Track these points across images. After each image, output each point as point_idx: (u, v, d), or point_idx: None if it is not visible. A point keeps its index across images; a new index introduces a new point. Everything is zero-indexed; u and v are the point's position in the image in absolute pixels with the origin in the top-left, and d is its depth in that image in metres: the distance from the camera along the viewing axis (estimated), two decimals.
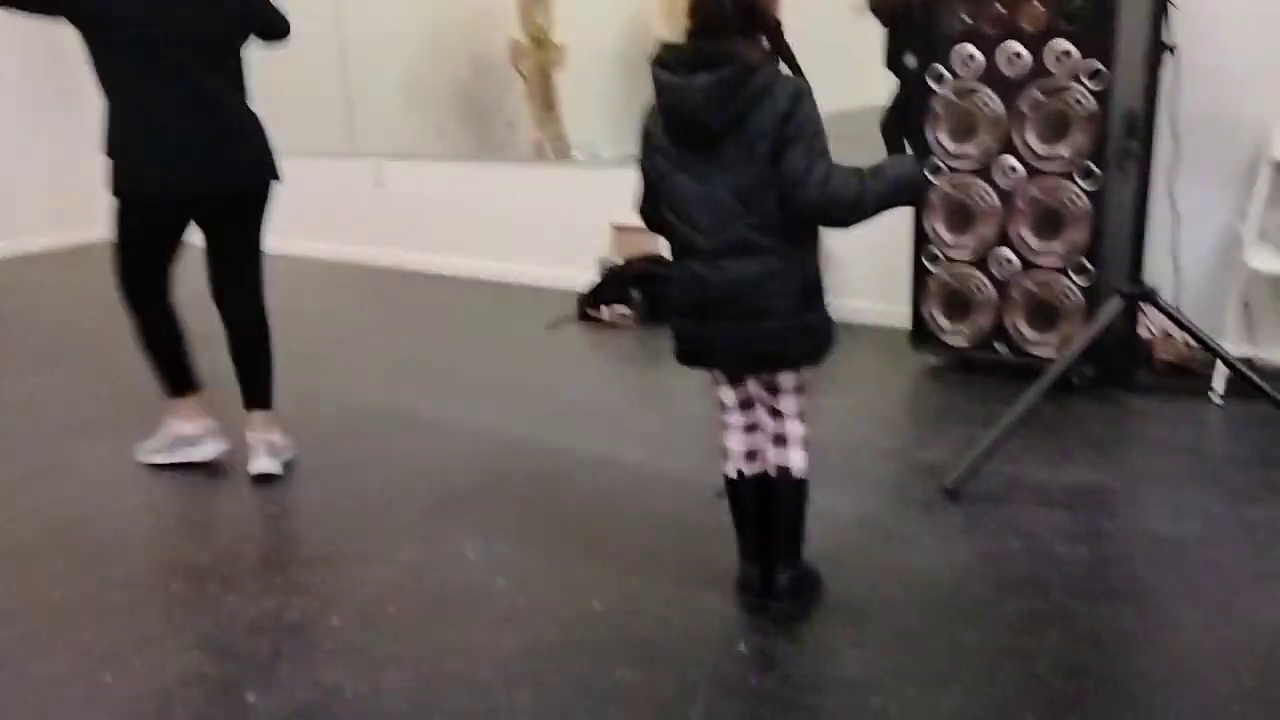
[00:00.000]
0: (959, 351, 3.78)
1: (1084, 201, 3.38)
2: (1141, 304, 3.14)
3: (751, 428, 2.31)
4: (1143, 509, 2.75)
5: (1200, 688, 2.01)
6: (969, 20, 3.44)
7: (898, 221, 3.75)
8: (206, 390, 3.24)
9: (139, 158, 2.91)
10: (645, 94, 2.17)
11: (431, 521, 2.85)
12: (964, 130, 3.55)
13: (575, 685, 2.10)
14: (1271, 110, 3.48)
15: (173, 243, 3.06)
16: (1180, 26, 2.99)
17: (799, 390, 2.25)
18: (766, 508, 2.32)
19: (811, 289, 2.18)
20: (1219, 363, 3.32)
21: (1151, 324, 3.64)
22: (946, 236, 3.68)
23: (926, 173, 3.52)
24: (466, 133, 6.14)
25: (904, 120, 3.86)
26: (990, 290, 3.63)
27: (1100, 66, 3.24)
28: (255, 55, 3.08)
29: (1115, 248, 3.42)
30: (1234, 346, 3.45)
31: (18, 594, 2.58)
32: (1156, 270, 3.49)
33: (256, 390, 3.22)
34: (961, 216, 3.63)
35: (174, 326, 3.14)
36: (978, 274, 3.65)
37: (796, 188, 2.03)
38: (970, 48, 3.45)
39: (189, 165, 2.91)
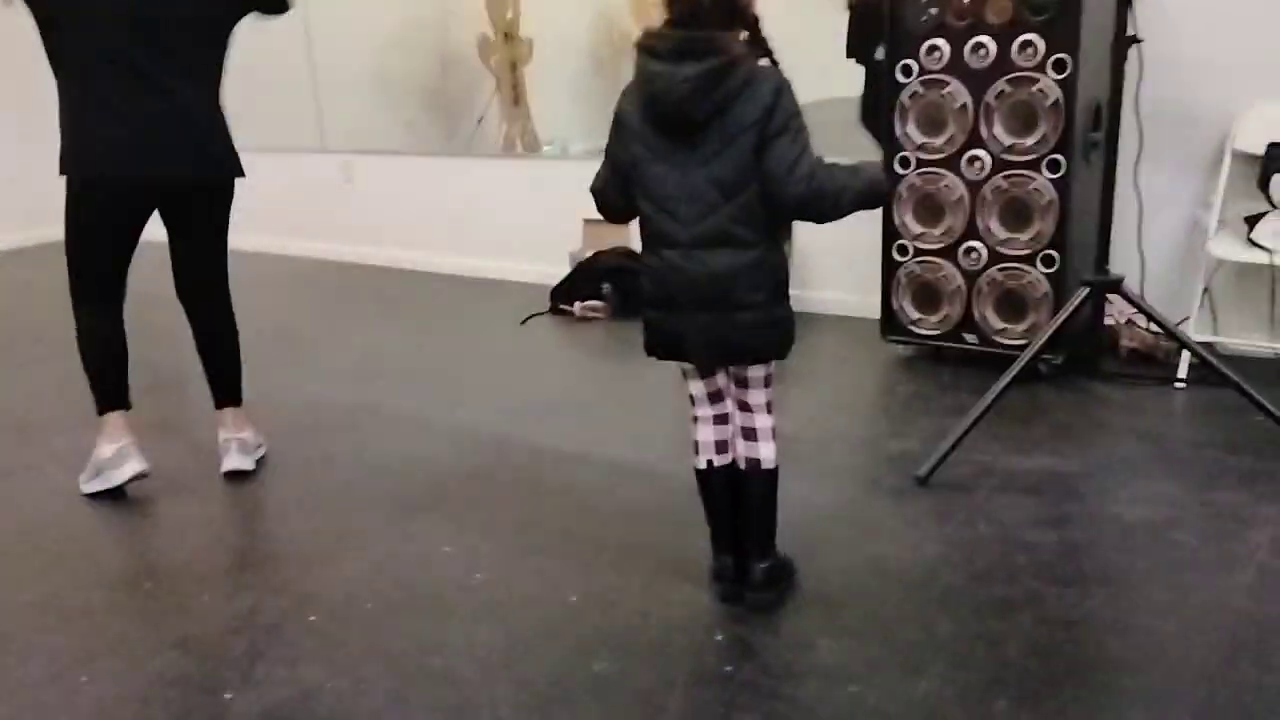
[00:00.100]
0: (929, 342, 3.82)
1: (1050, 192, 3.42)
2: (1108, 293, 3.18)
3: (721, 419, 2.32)
4: (1110, 494, 2.79)
5: (1168, 669, 2.04)
6: (936, 13, 3.47)
7: (867, 213, 3.78)
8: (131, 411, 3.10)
9: (89, 140, 2.85)
10: (614, 87, 2.18)
11: (406, 517, 2.85)
12: (932, 123, 3.58)
13: (553, 678, 2.11)
14: (1234, 101, 3.53)
15: (122, 235, 2.95)
16: (1144, 18, 3.03)
17: (768, 383, 2.27)
18: (737, 498, 2.34)
19: (781, 282, 2.20)
20: (1183, 350, 3.37)
21: (1115, 312, 3.68)
22: (915, 228, 3.71)
23: (891, 177, 3.56)
24: (436, 128, 6.12)
25: (875, 111, 3.89)
26: (959, 281, 3.67)
27: (1066, 58, 3.28)
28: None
29: (1081, 238, 3.46)
30: (1197, 333, 3.51)
31: None
32: (1122, 259, 3.53)
33: (225, 387, 3.19)
34: (930, 208, 3.66)
35: (119, 336, 3.03)
36: (947, 265, 3.68)
37: (783, 182, 2.05)
38: (937, 40, 3.48)
39: (138, 149, 2.84)
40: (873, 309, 3.94)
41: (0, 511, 3.00)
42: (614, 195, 2.24)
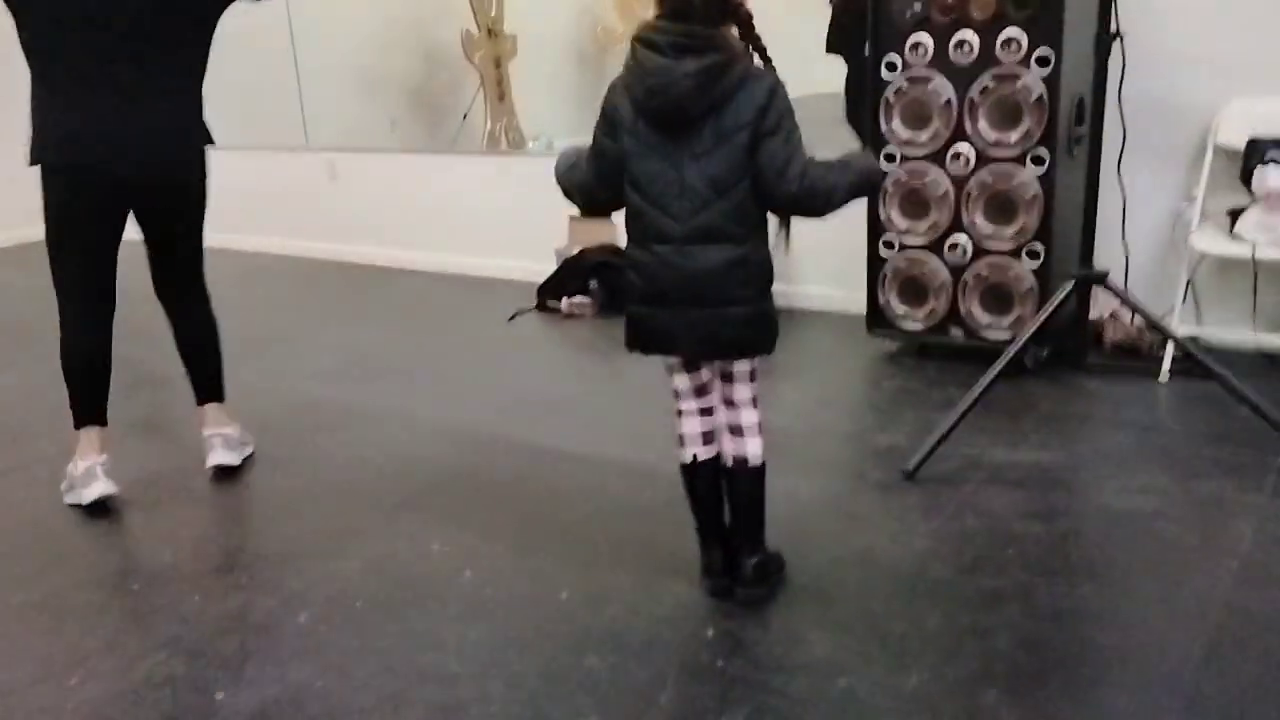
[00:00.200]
0: (915, 336, 3.83)
1: (1035, 187, 3.43)
2: (1093, 286, 3.20)
3: (707, 411, 2.33)
4: (1096, 486, 2.81)
5: (1156, 659, 2.06)
6: (920, 9, 3.48)
7: (853, 209, 3.79)
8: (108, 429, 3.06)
9: (54, 131, 2.83)
10: (599, 83, 2.18)
11: (396, 515, 2.85)
12: (916, 118, 3.59)
13: (545, 675, 2.11)
14: (1216, 96, 3.55)
15: (93, 229, 2.89)
16: (1127, 13, 3.04)
17: (753, 377, 2.28)
18: (722, 492, 2.35)
19: (769, 278, 2.21)
20: (1168, 342, 3.39)
21: (1100, 305, 3.70)
22: (901, 223, 3.72)
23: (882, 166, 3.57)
24: (420, 125, 6.11)
25: (858, 107, 3.90)
26: (945, 275, 3.68)
27: (1049, 54, 3.29)
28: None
29: (1066, 232, 3.48)
30: (1181, 326, 3.53)
31: None
32: (1106, 253, 3.55)
33: (206, 384, 3.19)
34: (916, 203, 3.68)
35: (103, 350, 2.97)
36: (932, 259, 3.70)
37: (778, 181, 2.07)
38: (921, 36, 3.49)
39: (100, 141, 2.81)
40: (859, 304, 3.95)
41: None
42: (598, 188, 2.24)
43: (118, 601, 2.50)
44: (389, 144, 6.03)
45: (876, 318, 3.88)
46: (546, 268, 4.93)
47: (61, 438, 3.04)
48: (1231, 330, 3.66)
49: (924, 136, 3.58)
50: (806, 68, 4.34)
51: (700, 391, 2.31)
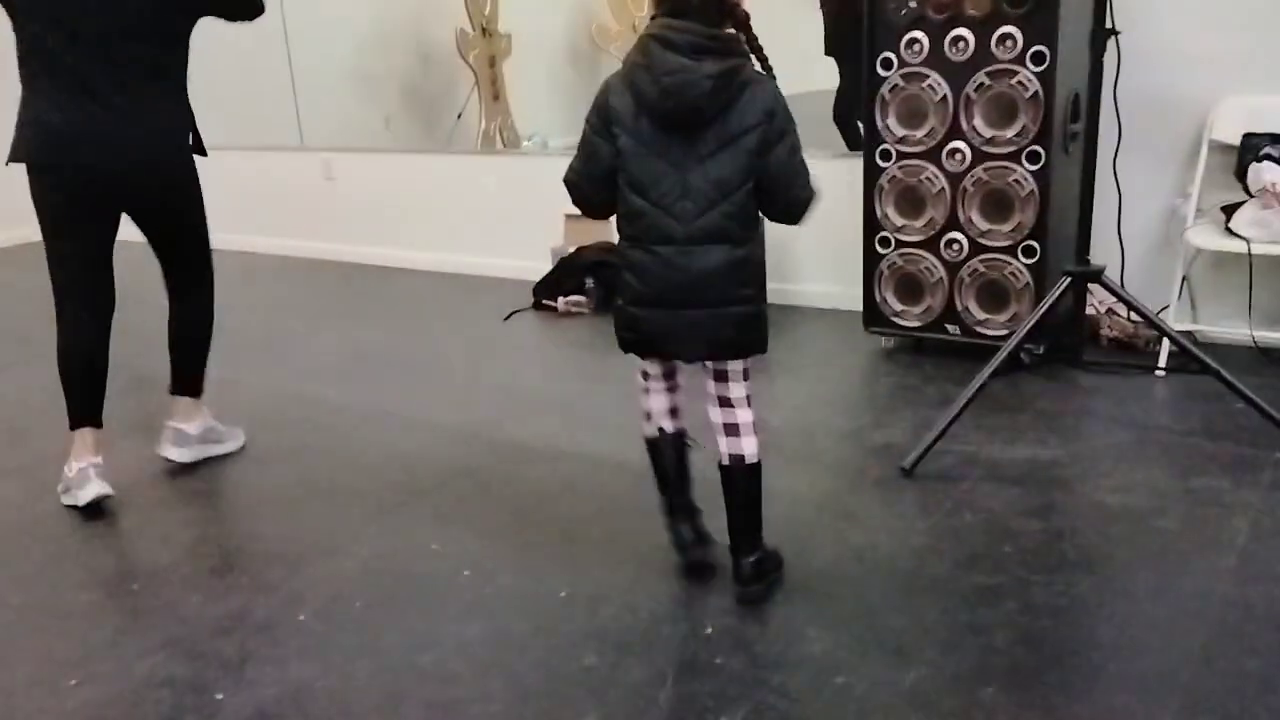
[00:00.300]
0: (911, 333, 3.84)
1: (1031, 183, 3.44)
2: (1089, 283, 3.21)
3: (673, 388, 2.39)
4: (1093, 482, 2.81)
5: (1154, 655, 2.06)
6: (915, 7, 3.48)
7: (849, 206, 3.81)
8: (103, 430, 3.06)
9: (34, 128, 2.84)
10: (594, 81, 2.17)
11: (394, 514, 2.85)
12: (912, 115, 3.59)
13: (544, 673, 2.12)
14: (1211, 92, 3.56)
15: (81, 229, 2.90)
16: (1122, 10, 3.05)
17: (746, 376, 2.29)
18: (688, 465, 2.41)
19: (763, 278, 2.23)
20: (1164, 338, 3.40)
21: (1095, 301, 3.71)
22: (897, 220, 3.72)
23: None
24: (415, 124, 6.11)
25: (852, 107, 3.91)
26: (941, 272, 3.69)
27: (1044, 51, 3.30)
28: (201, 48, 3.03)
29: (1062, 228, 3.49)
30: (1177, 322, 3.54)
31: None
32: (1102, 249, 3.56)
33: (185, 377, 3.21)
34: (911, 200, 3.68)
35: (101, 351, 2.98)
36: (928, 256, 3.70)
37: (789, 186, 2.12)
38: (916, 34, 3.50)
39: (78, 140, 2.82)
40: (855, 301, 3.96)
41: None
42: (591, 188, 2.23)
43: (117, 601, 2.50)
44: (384, 143, 6.03)
45: (873, 315, 3.89)
46: (543, 266, 4.93)
47: (61, 439, 3.03)
48: (1227, 326, 3.66)
49: (920, 134, 3.58)
50: (807, 66, 4.35)
51: (669, 374, 2.37)
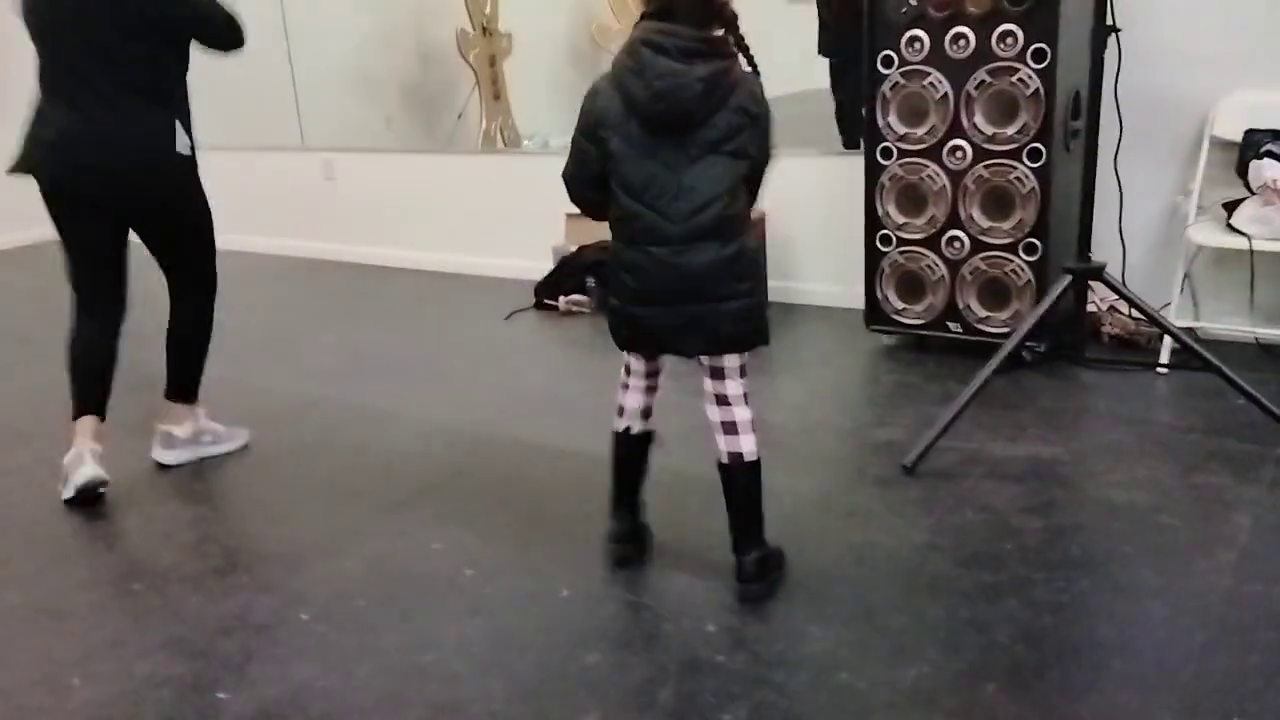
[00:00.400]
0: (913, 331, 3.84)
1: (1032, 181, 3.43)
2: (1090, 280, 3.20)
3: (652, 388, 2.41)
4: (1095, 479, 2.81)
5: (1156, 652, 2.06)
6: (915, 4, 3.48)
7: (851, 204, 3.80)
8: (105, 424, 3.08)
9: (31, 141, 2.91)
10: (595, 80, 2.17)
11: (396, 514, 2.85)
12: (913, 113, 3.59)
13: (546, 672, 2.12)
14: (1212, 89, 3.56)
15: (81, 238, 2.97)
16: (1123, 7, 3.05)
17: (743, 373, 2.29)
18: (646, 464, 2.46)
19: (760, 272, 2.24)
20: (1165, 335, 3.40)
21: (1096, 299, 3.71)
22: (898, 218, 3.72)
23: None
24: (416, 124, 6.10)
25: (853, 106, 3.91)
26: (942, 270, 3.69)
27: (1045, 48, 3.30)
28: (200, 54, 3.03)
29: (1063, 226, 3.48)
30: (1178, 319, 3.54)
31: None
32: (1103, 246, 3.56)
33: (181, 382, 3.23)
34: (913, 198, 3.68)
35: (105, 347, 3.04)
36: (930, 254, 3.70)
37: (764, 184, 2.19)
38: (917, 31, 3.49)
39: (68, 151, 2.88)
40: (857, 299, 3.96)
41: None
42: (585, 190, 2.25)
43: (118, 601, 2.50)
44: (385, 143, 6.02)
45: (875, 313, 3.88)
46: (544, 266, 4.92)
47: (60, 439, 3.04)
48: (1228, 322, 3.66)
49: (921, 131, 3.58)
50: (805, 65, 4.35)
51: (652, 374, 2.38)
